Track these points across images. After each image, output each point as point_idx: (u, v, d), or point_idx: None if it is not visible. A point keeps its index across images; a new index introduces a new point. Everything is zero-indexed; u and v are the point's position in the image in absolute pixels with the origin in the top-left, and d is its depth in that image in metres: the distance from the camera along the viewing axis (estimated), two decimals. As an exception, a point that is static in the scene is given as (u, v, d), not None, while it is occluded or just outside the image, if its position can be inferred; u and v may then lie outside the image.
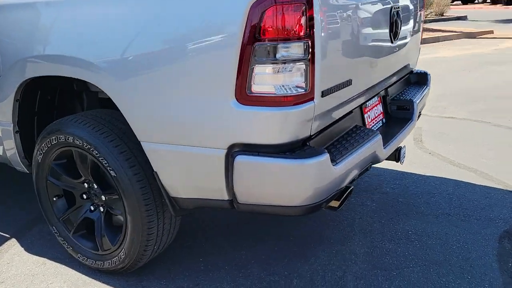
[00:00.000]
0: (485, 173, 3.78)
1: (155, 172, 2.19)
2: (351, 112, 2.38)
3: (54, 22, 2.29)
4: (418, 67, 3.61)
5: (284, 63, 1.78)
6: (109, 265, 2.52)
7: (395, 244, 2.78)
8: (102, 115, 2.44)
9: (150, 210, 2.30)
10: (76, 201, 2.63)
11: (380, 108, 2.81)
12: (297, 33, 1.76)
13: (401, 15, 2.68)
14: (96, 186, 2.51)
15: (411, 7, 2.99)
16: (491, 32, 15.17)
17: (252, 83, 1.81)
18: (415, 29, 3.14)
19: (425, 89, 3.26)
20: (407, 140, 4.32)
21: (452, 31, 14.66)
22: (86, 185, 2.56)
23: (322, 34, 1.88)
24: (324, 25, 1.92)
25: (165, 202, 2.35)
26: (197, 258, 2.73)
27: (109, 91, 2.16)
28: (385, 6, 2.52)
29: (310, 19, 1.81)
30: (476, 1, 36.10)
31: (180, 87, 1.96)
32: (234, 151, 1.93)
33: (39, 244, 2.97)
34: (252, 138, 1.89)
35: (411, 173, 3.80)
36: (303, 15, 1.78)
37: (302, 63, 1.80)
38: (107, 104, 2.83)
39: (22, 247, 2.95)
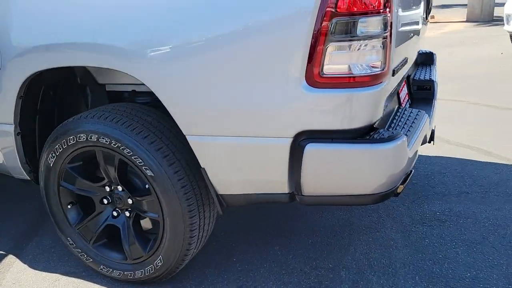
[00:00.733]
0: (485, 150, 3.85)
1: (203, 168, 1.98)
2: (395, 92, 2.28)
3: (81, 4, 1.99)
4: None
5: (363, 39, 1.63)
6: (141, 274, 2.28)
7: (428, 227, 2.74)
8: (127, 109, 2.18)
9: (192, 211, 2.09)
10: (95, 207, 2.36)
11: (406, 88, 2.74)
12: (377, 6, 1.62)
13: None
14: (121, 189, 2.25)
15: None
16: (433, 17, 15.80)
17: (326, 64, 1.65)
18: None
19: (434, 69, 3.24)
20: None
21: (397, 17, 15.08)
22: (107, 188, 2.29)
23: (394, 9, 1.75)
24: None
25: (206, 200, 2.15)
26: (230, 258, 2.54)
27: (148, 80, 1.91)
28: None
29: (389, -8, 1.67)
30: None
31: (240, 72, 1.76)
32: (302, 139, 1.76)
33: (44, 258, 2.65)
34: (324, 124, 1.73)
35: (414, 154, 3.79)
36: None
37: (381, 39, 1.66)
38: (117, 98, 2.58)
39: (25, 263, 2.62)
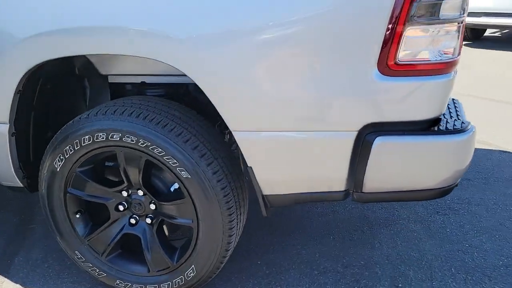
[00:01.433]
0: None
1: (250, 167, 1.78)
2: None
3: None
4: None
5: (442, 23, 1.52)
6: (167, 287, 2.05)
7: (444, 215, 2.72)
8: (150, 103, 1.92)
9: (232, 214, 1.89)
10: (109, 215, 2.08)
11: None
12: (457, -13, 1.51)
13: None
14: (142, 193, 2.00)
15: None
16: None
17: (402, 50, 1.52)
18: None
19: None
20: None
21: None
22: (125, 193, 2.02)
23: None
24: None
25: (242, 202, 1.96)
26: (253, 261, 2.36)
27: (190, 70, 1.67)
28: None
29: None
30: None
31: (300, 61, 1.58)
32: (369, 132, 1.63)
33: (38, 276, 2.32)
34: (394, 115, 1.60)
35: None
36: None
37: (457, 24, 1.56)
38: (120, 91, 2.30)
39: (17, 284, 2.28)
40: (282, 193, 1.83)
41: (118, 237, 2.07)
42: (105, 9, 1.67)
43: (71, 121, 1.93)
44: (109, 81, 2.25)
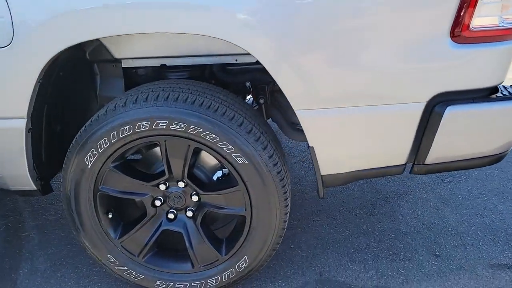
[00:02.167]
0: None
1: (311, 147, 1.70)
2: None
3: None
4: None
5: (511, -11, 1.53)
6: (216, 282, 1.92)
7: (449, 183, 2.81)
8: (191, 86, 1.77)
9: (287, 199, 1.81)
10: (144, 212, 1.90)
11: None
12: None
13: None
14: (183, 185, 1.84)
15: None
16: None
17: (477, 16, 1.51)
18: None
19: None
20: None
21: None
22: (163, 186, 1.85)
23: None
24: None
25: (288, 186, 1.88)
26: (287, 245, 2.29)
27: (254, 49, 1.55)
28: None
29: None
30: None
31: (369, 34, 1.52)
32: (438, 102, 1.61)
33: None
34: (465, 84, 1.60)
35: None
36: None
37: (521, -11, 1.57)
38: (136, 75, 2.10)
39: (33, 297, 2.04)
40: (341, 172, 1.78)
41: (157, 234, 1.90)
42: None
43: (104, 111, 1.72)
44: (123, 66, 2.04)
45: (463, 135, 1.67)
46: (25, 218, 2.65)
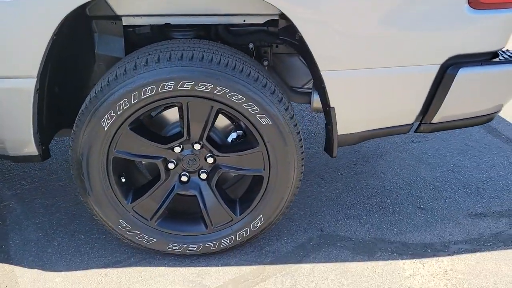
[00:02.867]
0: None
1: (332, 107, 1.75)
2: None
3: None
4: None
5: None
6: (230, 242, 1.95)
7: (419, 143, 2.99)
8: (212, 47, 1.73)
9: (303, 159, 1.86)
10: (160, 176, 1.86)
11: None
12: None
13: None
14: (199, 147, 1.82)
15: None
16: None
17: (492, -17, 1.62)
18: None
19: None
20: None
21: None
22: (178, 149, 1.82)
23: None
24: None
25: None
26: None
27: (287, 8, 1.55)
28: None
29: None
30: None
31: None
32: (451, 64, 1.72)
33: (60, 258, 2.01)
34: (475, 47, 1.72)
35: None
36: None
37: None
38: (137, 34, 2.02)
39: (35, 268, 1.94)
40: (355, 131, 1.86)
41: (170, 197, 1.89)
42: None
43: (123, 70, 1.64)
44: (124, 24, 1.93)
45: (469, 95, 1.81)
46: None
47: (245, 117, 1.72)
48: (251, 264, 2.00)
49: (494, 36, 1.74)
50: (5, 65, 1.57)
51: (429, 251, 2.09)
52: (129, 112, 1.67)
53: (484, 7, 1.66)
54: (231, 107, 1.70)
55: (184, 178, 1.89)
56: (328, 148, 1.93)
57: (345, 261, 2.03)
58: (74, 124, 1.72)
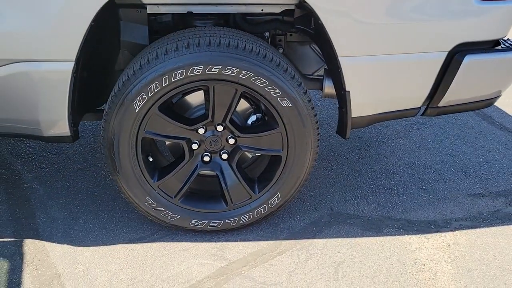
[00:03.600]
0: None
1: (348, 91, 1.88)
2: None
3: None
4: None
5: None
6: (249, 218, 2.07)
7: (418, 129, 3.15)
8: (236, 34, 1.85)
9: (319, 140, 1.99)
10: (184, 156, 1.97)
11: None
12: None
13: None
14: (221, 129, 1.94)
15: None
16: None
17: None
18: None
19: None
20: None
21: None
22: (202, 130, 1.94)
23: None
24: None
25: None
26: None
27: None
28: None
29: None
30: None
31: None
32: (458, 51, 1.86)
33: (86, 234, 2.12)
34: (481, 35, 1.87)
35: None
36: None
37: None
38: (160, 23, 2.12)
39: (63, 243, 2.05)
40: (367, 114, 1.99)
41: (194, 176, 2.01)
42: None
43: (154, 55, 1.75)
44: (149, 12, 2.03)
45: (474, 80, 1.96)
46: (19, 170, 2.57)
47: (267, 100, 1.84)
48: (267, 240, 2.13)
49: (498, 25, 1.88)
50: (48, 50, 1.67)
51: (432, 227, 2.24)
52: (159, 95, 1.78)
53: (490, -3, 1.81)
54: (255, 91, 1.82)
55: (206, 158, 2.01)
56: (341, 130, 2.06)
57: (355, 237, 2.17)
58: (106, 106, 1.83)
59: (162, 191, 2.00)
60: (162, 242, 2.08)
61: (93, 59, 2.00)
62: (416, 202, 2.42)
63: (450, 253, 2.08)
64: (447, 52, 1.87)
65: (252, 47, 1.78)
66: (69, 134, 1.89)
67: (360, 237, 2.17)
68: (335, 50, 1.79)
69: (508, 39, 2.07)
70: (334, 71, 1.91)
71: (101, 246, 2.05)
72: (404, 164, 2.76)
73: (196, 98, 1.98)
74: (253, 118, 2.04)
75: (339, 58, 1.81)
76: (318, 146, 2.00)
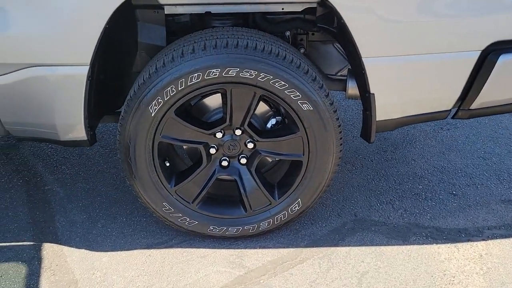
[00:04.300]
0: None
1: (372, 93, 1.79)
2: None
3: None
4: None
5: None
6: (268, 225, 2.01)
7: (448, 130, 3.00)
8: (254, 35, 1.78)
9: (342, 144, 1.90)
10: (202, 160, 1.92)
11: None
12: None
13: None
14: (240, 133, 1.88)
15: None
16: None
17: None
18: None
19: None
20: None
21: None
22: (220, 135, 1.88)
23: None
24: None
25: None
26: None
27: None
28: None
29: None
30: None
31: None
32: (492, 51, 1.75)
33: (105, 239, 2.10)
34: (514, 34, 1.74)
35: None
36: None
37: None
38: (178, 24, 2.07)
39: (81, 248, 2.03)
40: (393, 118, 1.90)
41: (212, 181, 1.95)
42: None
43: (170, 57, 1.70)
44: (166, 13, 1.98)
45: (509, 81, 1.83)
46: (41, 172, 2.57)
47: (287, 103, 1.77)
48: (288, 247, 2.06)
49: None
50: (62, 54, 1.65)
51: (463, 236, 2.13)
52: (176, 98, 1.73)
53: (525, -6, 1.68)
54: (274, 94, 1.75)
55: (224, 163, 1.95)
56: (365, 134, 1.97)
57: (380, 245, 2.08)
58: (122, 110, 1.79)
59: (180, 196, 1.95)
60: (180, 248, 2.04)
61: (110, 62, 1.97)
62: (445, 209, 2.30)
63: (482, 264, 1.96)
64: (480, 52, 1.75)
65: (271, 49, 1.71)
66: (85, 138, 1.86)
67: (385, 245, 2.07)
68: (359, 51, 1.70)
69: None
70: (358, 72, 1.82)
71: (118, 252, 2.02)
72: (433, 168, 2.64)
73: (213, 101, 1.92)
74: (272, 121, 1.97)
75: (363, 59, 1.71)
76: (341, 150, 1.91)
